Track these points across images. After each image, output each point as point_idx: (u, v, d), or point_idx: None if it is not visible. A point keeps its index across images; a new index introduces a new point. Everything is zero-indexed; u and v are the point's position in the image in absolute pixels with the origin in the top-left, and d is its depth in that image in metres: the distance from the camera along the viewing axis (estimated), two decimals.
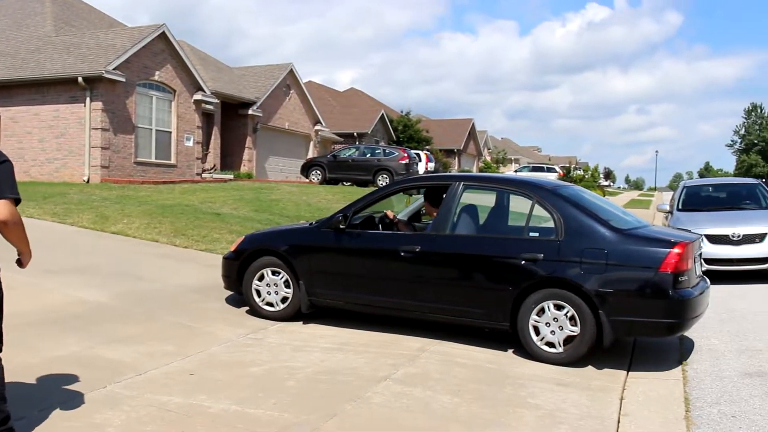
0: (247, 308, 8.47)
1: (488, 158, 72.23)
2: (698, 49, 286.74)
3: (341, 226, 7.92)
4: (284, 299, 8.19)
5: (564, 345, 6.81)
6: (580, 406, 5.65)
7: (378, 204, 8.37)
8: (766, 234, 11.91)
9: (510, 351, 7.18)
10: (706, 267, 11.80)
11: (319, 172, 31.12)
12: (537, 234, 7.33)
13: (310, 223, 8.53)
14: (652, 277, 6.58)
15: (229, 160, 32.36)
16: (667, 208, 14.16)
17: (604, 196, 50.41)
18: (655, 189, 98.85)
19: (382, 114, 52.33)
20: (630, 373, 6.68)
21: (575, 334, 6.75)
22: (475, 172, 65.62)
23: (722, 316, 9.28)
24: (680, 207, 13.67)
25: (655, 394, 6.08)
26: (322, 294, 8.03)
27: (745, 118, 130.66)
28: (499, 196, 7.97)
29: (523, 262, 6.96)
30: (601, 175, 76.16)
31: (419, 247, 7.46)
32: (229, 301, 8.80)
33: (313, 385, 5.80)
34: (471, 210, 7.91)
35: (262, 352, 6.77)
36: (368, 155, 31.60)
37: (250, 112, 32.47)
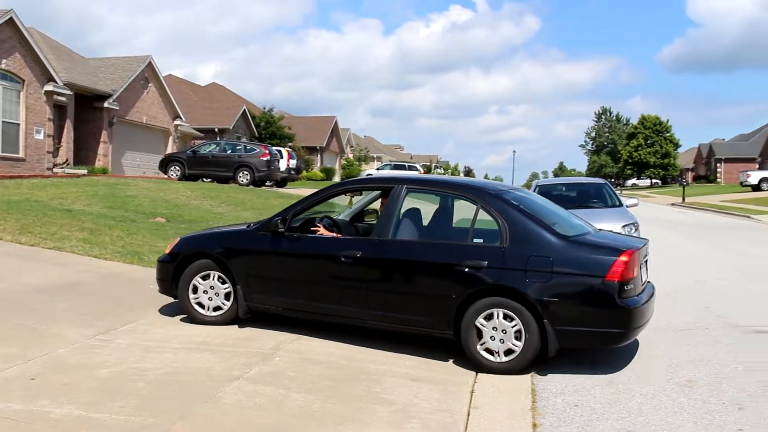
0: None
1: (351, 156, 72.63)
2: (555, 53, 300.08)
3: (280, 229, 7.62)
4: (222, 304, 7.94)
5: (508, 354, 6.65)
6: (432, 400, 5.76)
7: (320, 206, 8.15)
8: (611, 231, 12.46)
9: (367, 347, 7.23)
10: None
11: (178, 167, 30.42)
12: (481, 240, 7.06)
13: (248, 225, 8.19)
14: (598, 286, 6.47)
15: (84, 154, 31.16)
16: None
17: None
18: None
19: (244, 110, 51.76)
20: None
21: (519, 343, 6.59)
22: (337, 168, 65.80)
23: None
24: None
25: (505, 386, 6.27)
26: (260, 299, 7.74)
27: (596, 121, 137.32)
28: (444, 200, 7.79)
29: (466, 269, 6.74)
30: (462, 174, 78.05)
31: (360, 253, 7.20)
32: (79, 301, 8.45)
33: (163, 387, 5.65)
34: (415, 214, 7.69)
35: (111, 354, 6.53)
36: (229, 151, 31.22)
37: (105, 105, 31.38)
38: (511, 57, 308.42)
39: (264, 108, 60.62)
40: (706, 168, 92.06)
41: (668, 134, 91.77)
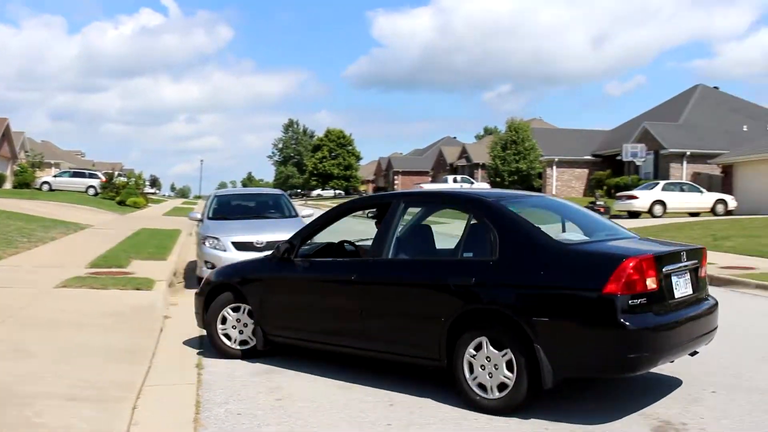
0: None
1: (24, 161, 67.69)
2: (247, 63, 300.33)
3: (287, 255, 7.32)
4: (249, 338, 7.67)
5: (500, 390, 5.79)
6: (91, 420, 5.50)
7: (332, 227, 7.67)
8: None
9: (25, 366, 6.77)
10: None
11: None
12: (471, 254, 6.36)
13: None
14: (594, 301, 5.48)
15: None
16: (199, 216, 14.53)
17: (147, 204, 50.21)
18: (200, 197, 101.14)
19: None
20: (147, 381, 6.67)
21: (511, 374, 5.73)
22: (9, 174, 61.05)
23: None
24: (210, 215, 14.10)
25: (169, 400, 6.20)
26: (273, 329, 7.43)
27: (284, 133, 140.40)
28: (439, 213, 7.38)
29: (453, 287, 6.08)
30: (147, 183, 75.90)
31: (354, 275, 6.76)
32: None
33: None
34: (413, 231, 7.17)
35: None
36: None
37: None
38: (202, 65, 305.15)
39: None
40: (385, 180, 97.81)
41: (351, 147, 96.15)
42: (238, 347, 7.76)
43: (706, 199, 35.43)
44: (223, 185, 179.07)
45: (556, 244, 5.92)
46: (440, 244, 7.33)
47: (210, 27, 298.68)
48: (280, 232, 13.09)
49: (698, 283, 6.33)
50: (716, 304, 6.52)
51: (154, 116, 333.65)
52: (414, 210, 7.48)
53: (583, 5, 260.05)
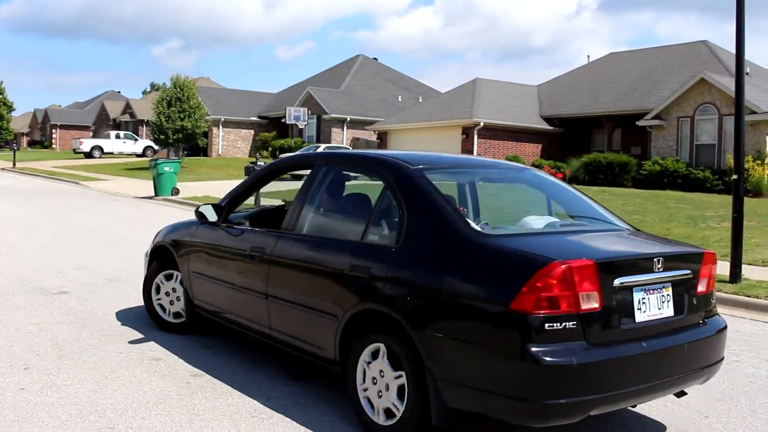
0: None
1: None
2: None
3: (213, 220, 6.37)
4: (182, 309, 7.05)
5: (388, 416, 4.54)
6: None
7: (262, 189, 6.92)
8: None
9: None
10: None
11: None
12: (376, 237, 4.99)
13: None
14: (499, 319, 3.97)
15: None
16: None
17: None
18: None
19: None
20: None
21: (401, 400, 4.44)
22: None
23: None
24: None
25: None
26: (198, 302, 6.71)
27: None
28: (357, 180, 6.24)
29: (350, 278, 4.80)
30: None
31: (264, 249, 5.71)
32: None
33: None
34: (334, 201, 5.75)
35: None
36: None
37: None
38: None
39: None
40: (42, 133, 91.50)
41: (2, 96, 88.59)
42: (172, 320, 7.17)
43: None
44: None
45: (471, 233, 4.40)
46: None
47: None
48: None
49: (690, 301, 4.54)
50: (722, 329, 4.73)
51: None
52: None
53: None
